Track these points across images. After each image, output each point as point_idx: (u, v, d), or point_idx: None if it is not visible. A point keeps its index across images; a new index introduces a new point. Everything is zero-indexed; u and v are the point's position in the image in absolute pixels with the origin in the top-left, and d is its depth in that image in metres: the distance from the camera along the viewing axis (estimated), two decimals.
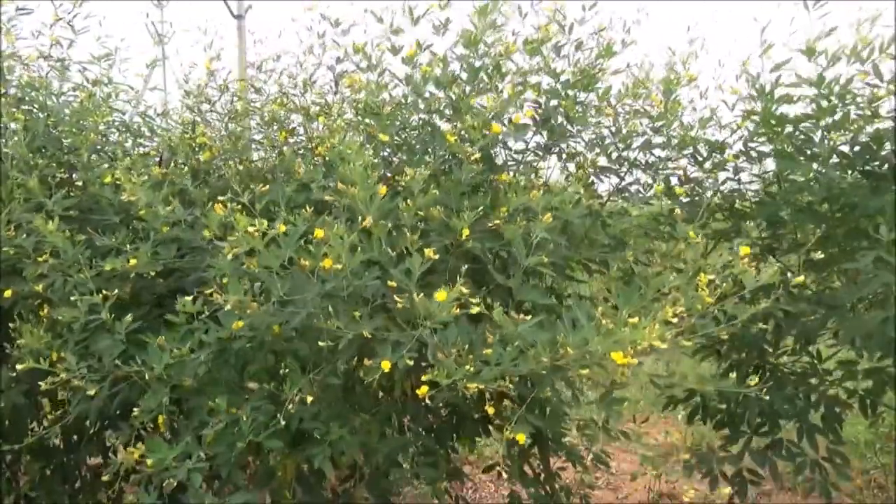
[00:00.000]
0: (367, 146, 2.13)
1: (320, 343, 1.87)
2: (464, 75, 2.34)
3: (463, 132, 2.18)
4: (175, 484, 1.95)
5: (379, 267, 1.90)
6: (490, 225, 2.09)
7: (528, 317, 1.78)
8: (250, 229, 1.82)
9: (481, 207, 2.00)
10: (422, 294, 1.74)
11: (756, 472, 2.79)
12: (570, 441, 2.72)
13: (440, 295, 1.69)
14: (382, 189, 1.89)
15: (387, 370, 1.75)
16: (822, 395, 2.68)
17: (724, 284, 1.83)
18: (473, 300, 1.81)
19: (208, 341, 2.00)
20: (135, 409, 2.08)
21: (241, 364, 2.15)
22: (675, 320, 1.72)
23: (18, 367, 2.01)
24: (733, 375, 2.17)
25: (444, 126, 2.35)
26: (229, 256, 1.88)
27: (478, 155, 2.11)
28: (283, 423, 1.97)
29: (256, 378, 2.10)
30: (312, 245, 1.83)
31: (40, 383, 2.02)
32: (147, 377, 2.00)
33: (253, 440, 1.99)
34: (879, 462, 4.15)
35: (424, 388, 1.74)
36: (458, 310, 1.75)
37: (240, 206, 1.95)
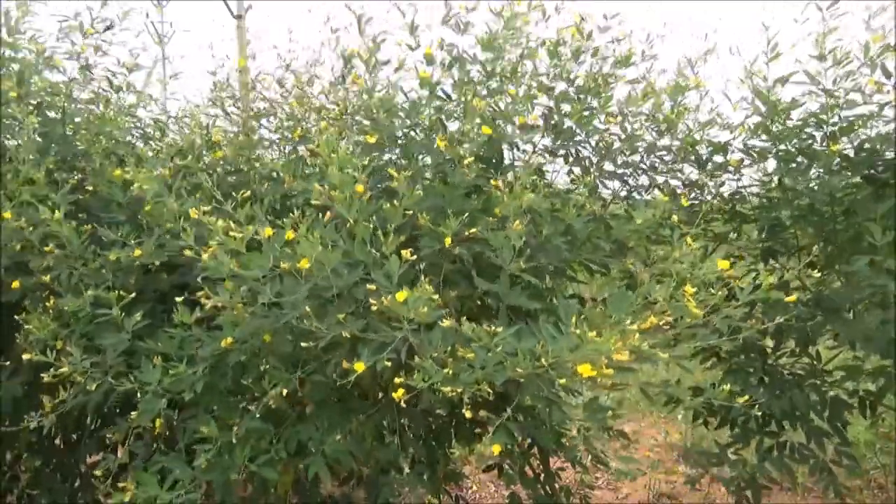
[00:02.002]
0: (357, 148, 2.13)
1: (303, 344, 1.86)
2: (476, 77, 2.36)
3: (459, 136, 2.18)
4: None
5: (364, 267, 1.89)
6: (469, 233, 2.07)
7: (509, 325, 1.77)
8: (231, 233, 1.82)
9: (470, 213, 1.99)
10: (391, 298, 1.72)
11: (770, 477, 2.78)
12: (569, 441, 2.72)
13: (400, 294, 1.67)
14: (359, 188, 1.87)
15: (360, 371, 1.73)
16: (823, 396, 2.69)
17: (717, 294, 1.81)
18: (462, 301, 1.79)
19: (204, 356, 2.00)
20: (134, 405, 2.07)
21: (237, 375, 2.14)
22: (658, 323, 1.71)
23: (25, 356, 2.03)
24: (727, 387, 2.17)
25: (453, 127, 2.35)
26: (205, 257, 1.87)
27: (470, 158, 2.11)
28: (284, 450, 1.99)
29: (253, 387, 2.10)
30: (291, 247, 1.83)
31: (42, 374, 2.02)
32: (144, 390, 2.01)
33: (247, 466, 2.00)
34: (879, 462, 4.15)
35: (400, 392, 1.73)
36: (438, 309, 1.74)
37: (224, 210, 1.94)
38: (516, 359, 1.66)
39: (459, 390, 1.70)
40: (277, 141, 2.88)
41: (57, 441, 2.88)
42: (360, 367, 1.73)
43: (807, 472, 2.72)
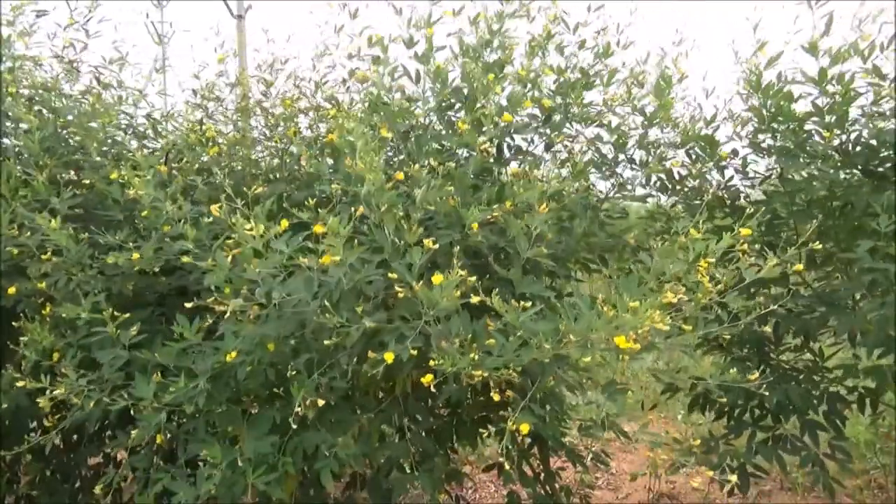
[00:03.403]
0: (375, 139, 2.13)
1: (325, 342, 1.84)
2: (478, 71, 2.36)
3: (473, 123, 2.19)
4: None
5: (382, 261, 1.89)
6: (490, 217, 2.09)
7: (529, 305, 1.79)
8: (247, 231, 1.81)
9: (487, 200, 2.01)
10: (422, 284, 1.74)
11: (761, 467, 2.78)
12: (570, 441, 2.72)
13: (437, 278, 1.68)
14: (399, 174, 1.89)
15: (390, 362, 1.74)
16: (824, 391, 2.69)
17: (725, 277, 1.82)
18: (474, 292, 1.80)
19: (205, 368, 1.95)
20: (134, 416, 2.04)
21: (240, 385, 2.10)
22: (675, 300, 1.73)
23: (19, 384, 1.99)
24: (734, 371, 2.17)
25: (461, 115, 2.36)
26: (228, 258, 1.86)
27: (487, 145, 2.11)
28: (291, 464, 1.98)
29: (255, 395, 2.07)
30: (312, 243, 1.83)
31: (38, 400, 1.97)
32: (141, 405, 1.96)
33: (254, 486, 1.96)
34: (879, 462, 4.14)
35: (429, 377, 1.73)
36: (461, 297, 1.75)
37: (237, 208, 1.93)
38: (539, 339, 1.68)
39: (486, 374, 1.72)
40: (270, 140, 2.88)
41: (57, 441, 2.86)
42: (389, 357, 1.74)
43: (801, 463, 2.71)
